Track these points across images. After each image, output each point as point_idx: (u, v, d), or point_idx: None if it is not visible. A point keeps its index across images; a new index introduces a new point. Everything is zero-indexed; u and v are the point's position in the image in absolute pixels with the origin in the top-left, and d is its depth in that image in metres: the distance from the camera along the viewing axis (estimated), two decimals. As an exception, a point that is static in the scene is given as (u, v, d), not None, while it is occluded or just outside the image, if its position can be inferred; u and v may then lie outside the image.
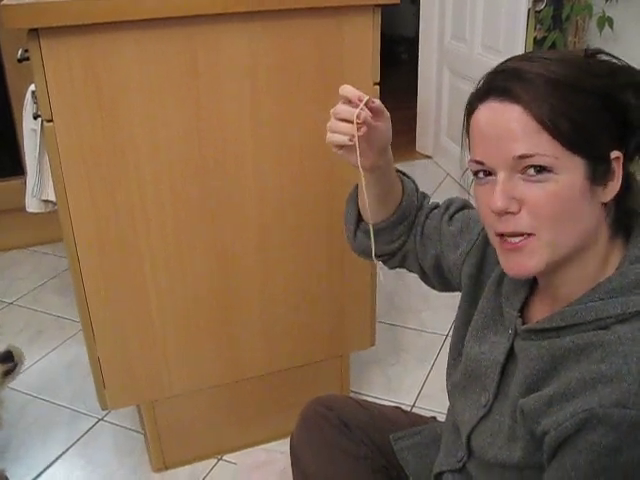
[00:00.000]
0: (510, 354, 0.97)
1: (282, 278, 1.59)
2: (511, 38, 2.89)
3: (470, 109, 0.92)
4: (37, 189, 2.09)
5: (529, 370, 0.89)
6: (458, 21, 3.46)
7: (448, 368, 1.13)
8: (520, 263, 0.87)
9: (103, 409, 1.61)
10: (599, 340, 0.82)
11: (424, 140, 3.99)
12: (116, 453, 1.84)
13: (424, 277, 1.22)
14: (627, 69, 0.86)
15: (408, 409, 1.87)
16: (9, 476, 1.75)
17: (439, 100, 3.77)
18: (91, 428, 1.93)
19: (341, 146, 1.00)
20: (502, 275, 1.02)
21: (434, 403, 1.90)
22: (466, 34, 3.36)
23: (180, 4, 1.26)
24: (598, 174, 0.83)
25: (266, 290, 1.59)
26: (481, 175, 0.89)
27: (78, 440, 1.89)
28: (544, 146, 0.82)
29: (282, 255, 1.57)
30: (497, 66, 0.90)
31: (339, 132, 1.00)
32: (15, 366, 1.50)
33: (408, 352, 2.23)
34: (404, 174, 1.20)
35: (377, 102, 1.00)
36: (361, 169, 1.02)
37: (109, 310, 1.47)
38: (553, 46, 2.75)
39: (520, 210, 0.85)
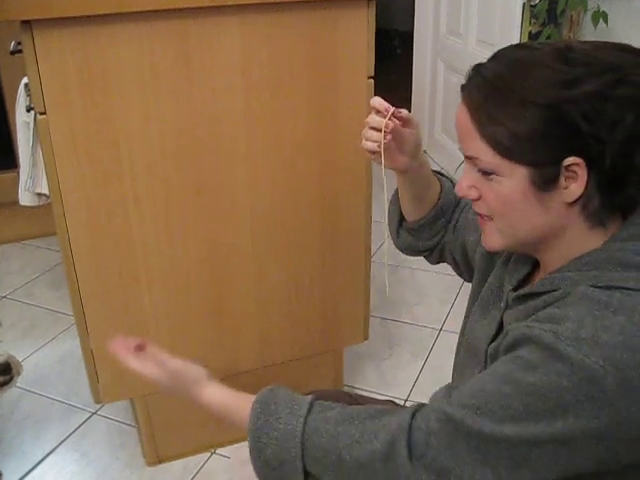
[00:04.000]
0: (501, 326, 1.01)
1: (275, 273, 1.59)
2: (506, 33, 2.89)
3: None
4: (30, 182, 2.08)
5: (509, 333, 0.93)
6: (453, 15, 3.46)
7: (457, 346, 1.18)
8: (485, 239, 0.98)
9: (96, 403, 1.61)
10: (564, 295, 0.87)
11: (418, 135, 3.99)
12: (109, 447, 1.84)
13: (456, 268, 1.28)
14: (593, 78, 0.82)
15: (401, 403, 1.88)
16: (2, 470, 1.74)
17: (433, 95, 3.77)
18: (84, 422, 1.93)
19: (373, 152, 1.07)
20: (510, 254, 1.06)
21: (427, 397, 1.90)
22: (461, 28, 3.35)
23: (174, -4, 1.26)
24: (545, 180, 0.86)
25: (259, 284, 1.59)
26: None
27: (71, 434, 1.89)
28: (484, 152, 0.87)
29: (275, 249, 1.57)
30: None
31: (370, 140, 1.07)
32: (11, 378, 1.50)
33: (402, 346, 2.24)
34: (442, 174, 1.27)
35: (404, 112, 1.08)
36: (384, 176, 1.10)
37: (102, 303, 1.46)
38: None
39: (480, 197, 0.93)
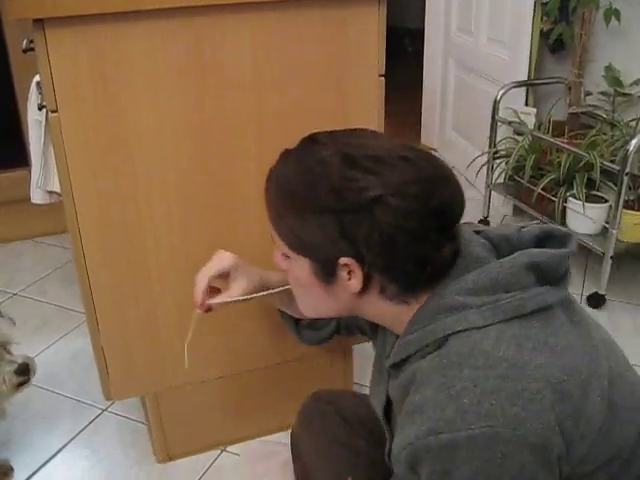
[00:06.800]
0: (389, 397, 1.05)
1: (286, 270, 1.59)
2: (517, 30, 2.88)
3: None
4: (42, 180, 2.09)
5: (398, 408, 0.97)
6: (464, 13, 3.45)
7: None
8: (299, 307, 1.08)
9: (107, 400, 1.62)
10: (414, 372, 0.92)
11: (429, 133, 3.98)
12: (120, 444, 1.85)
13: (367, 336, 1.30)
14: (357, 194, 0.88)
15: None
16: (13, 466, 1.75)
17: (444, 93, 3.76)
18: (95, 419, 1.94)
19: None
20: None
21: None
22: (472, 26, 3.34)
23: (185, -5, 1.26)
24: (325, 274, 0.96)
25: (270, 282, 1.59)
26: None
27: (82, 431, 1.89)
28: (278, 239, 0.99)
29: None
30: None
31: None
32: (28, 380, 1.52)
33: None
34: None
35: (214, 307, 1.23)
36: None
37: (113, 300, 1.47)
38: (560, 39, 2.74)
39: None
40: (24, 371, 1.51)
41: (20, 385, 1.52)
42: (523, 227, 0.99)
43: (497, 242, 0.98)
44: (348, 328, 1.37)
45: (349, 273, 0.93)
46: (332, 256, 0.92)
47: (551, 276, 0.92)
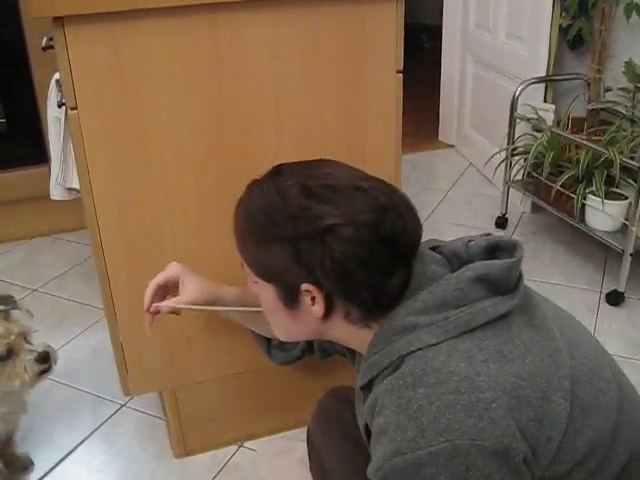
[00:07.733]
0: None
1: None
2: (536, 26, 2.86)
3: None
4: (61, 177, 2.11)
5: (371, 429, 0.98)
6: (482, 9, 3.43)
7: None
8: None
9: (126, 395, 1.63)
10: (376, 395, 0.93)
11: (447, 129, 3.97)
12: (138, 439, 1.86)
13: (349, 359, 1.30)
14: (307, 224, 0.91)
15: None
16: (33, 459, 1.77)
17: (462, 89, 3.74)
18: (114, 414, 1.95)
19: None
20: None
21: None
22: (490, 22, 3.32)
23: (203, -8, 1.26)
24: (289, 299, 0.99)
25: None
26: None
27: (101, 425, 1.91)
28: (245, 264, 1.03)
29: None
30: None
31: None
32: (49, 368, 1.54)
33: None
34: None
35: (162, 309, 1.29)
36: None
37: (132, 296, 1.48)
38: (579, 34, 2.71)
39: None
40: (45, 359, 1.52)
41: (42, 373, 1.53)
42: (470, 240, 1.00)
43: (449, 257, 1.00)
44: (323, 350, 1.38)
45: (312, 299, 0.96)
46: (293, 283, 0.96)
47: (503, 286, 0.93)
